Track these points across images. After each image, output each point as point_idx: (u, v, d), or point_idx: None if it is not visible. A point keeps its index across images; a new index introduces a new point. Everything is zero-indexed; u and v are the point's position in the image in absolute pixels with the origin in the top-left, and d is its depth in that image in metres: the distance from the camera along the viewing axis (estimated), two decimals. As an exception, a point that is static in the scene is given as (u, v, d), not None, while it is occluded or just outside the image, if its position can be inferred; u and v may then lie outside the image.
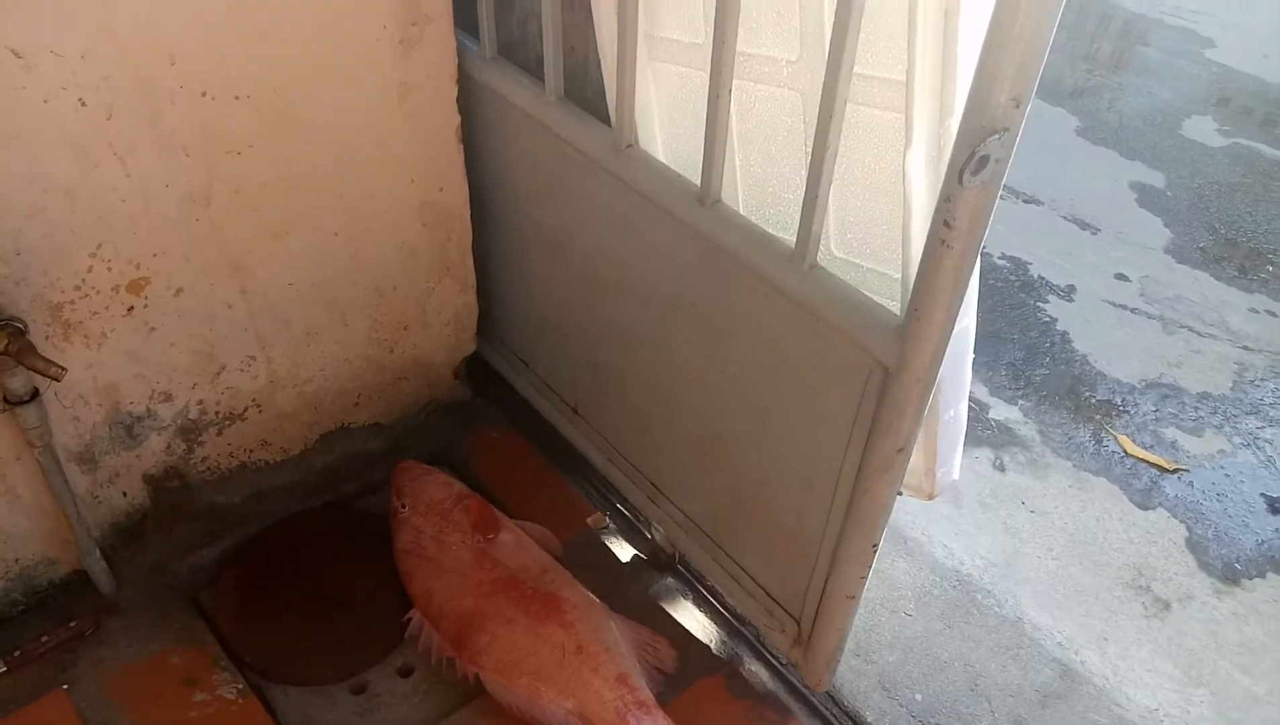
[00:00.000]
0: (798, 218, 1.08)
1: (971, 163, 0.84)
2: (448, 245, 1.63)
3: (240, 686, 1.40)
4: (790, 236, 1.11)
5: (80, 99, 1.14)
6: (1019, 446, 2.12)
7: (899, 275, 1.09)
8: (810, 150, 1.02)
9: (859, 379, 1.08)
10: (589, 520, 1.76)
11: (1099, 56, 4.36)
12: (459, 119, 1.51)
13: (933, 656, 1.59)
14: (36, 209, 1.16)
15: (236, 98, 1.26)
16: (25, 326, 1.17)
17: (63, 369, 1.12)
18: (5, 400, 1.20)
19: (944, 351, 1.00)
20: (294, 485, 1.68)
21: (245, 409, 1.54)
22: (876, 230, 1.14)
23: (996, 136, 0.83)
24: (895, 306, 1.05)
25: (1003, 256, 2.88)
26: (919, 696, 1.52)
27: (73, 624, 1.41)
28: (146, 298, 1.32)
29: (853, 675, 1.54)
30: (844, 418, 1.13)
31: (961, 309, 0.98)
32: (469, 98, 1.52)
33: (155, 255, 1.29)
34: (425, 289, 1.65)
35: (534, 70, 1.43)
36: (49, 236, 1.19)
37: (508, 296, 1.78)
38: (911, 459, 1.13)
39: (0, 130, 1.10)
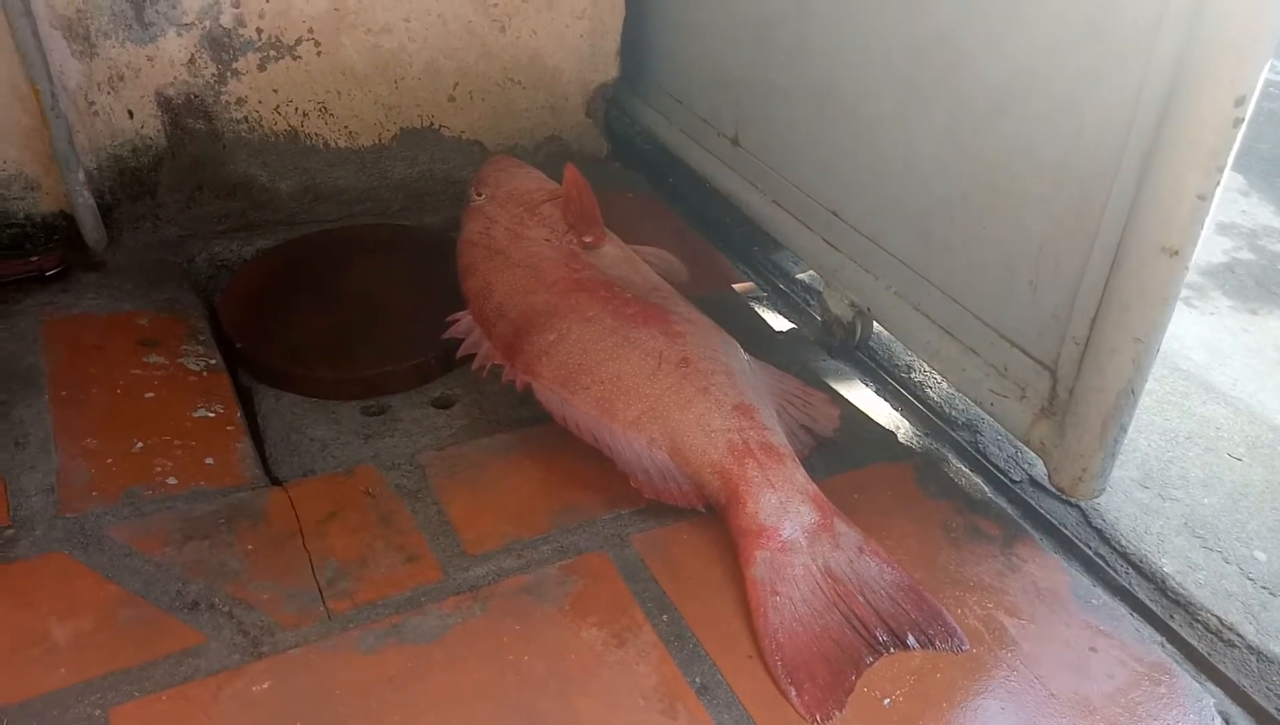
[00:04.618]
0: None
1: None
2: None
3: (213, 362, 0.99)
4: None
5: None
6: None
7: None
8: None
9: None
10: (736, 287, 1.25)
11: None
12: None
13: (1282, 515, 0.94)
14: None
15: None
16: None
17: None
18: None
19: None
20: (361, 194, 1.30)
21: (299, 41, 1.17)
22: None
23: None
24: None
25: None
26: (1260, 556, 0.88)
27: (34, 258, 1.07)
28: None
29: (1135, 510, 0.92)
30: None
31: None
32: None
33: None
34: (556, -56, 1.24)
35: None
36: None
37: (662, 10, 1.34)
38: None
39: None
